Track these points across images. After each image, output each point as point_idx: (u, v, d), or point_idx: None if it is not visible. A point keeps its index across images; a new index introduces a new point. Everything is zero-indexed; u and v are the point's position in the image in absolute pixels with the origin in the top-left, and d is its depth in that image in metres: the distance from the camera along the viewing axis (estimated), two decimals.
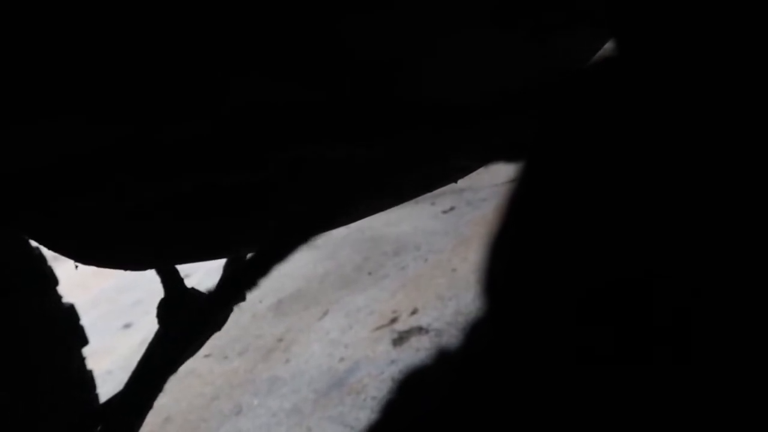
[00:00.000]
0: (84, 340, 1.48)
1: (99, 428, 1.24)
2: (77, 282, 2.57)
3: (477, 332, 0.36)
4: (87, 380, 1.46)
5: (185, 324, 0.92)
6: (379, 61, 0.57)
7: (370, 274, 2.39)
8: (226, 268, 1.17)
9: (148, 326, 2.83)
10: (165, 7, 0.50)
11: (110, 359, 2.71)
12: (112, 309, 3.38)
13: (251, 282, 0.67)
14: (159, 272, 1.01)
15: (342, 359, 1.94)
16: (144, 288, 3.39)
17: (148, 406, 0.88)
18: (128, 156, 0.54)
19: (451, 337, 1.78)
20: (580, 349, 0.32)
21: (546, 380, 0.32)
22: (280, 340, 2.23)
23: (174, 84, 0.53)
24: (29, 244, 1.40)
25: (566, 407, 0.32)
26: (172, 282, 0.99)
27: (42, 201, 0.58)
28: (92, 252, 0.68)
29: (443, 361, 0.39)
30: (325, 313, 2.26)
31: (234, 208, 0.63)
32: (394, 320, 2.01)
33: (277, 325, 2.34)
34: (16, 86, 0.52)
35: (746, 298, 0.30)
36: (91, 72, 0.52)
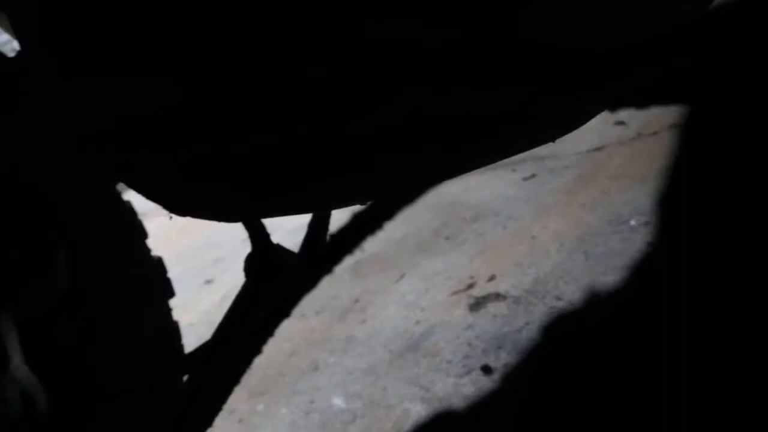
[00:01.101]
0: (171, 292, 1.54)
1: (184, 376, 1.30)
2: (163, 238, 2.65)
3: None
4: (174, 330, 1.52)
5: (272, 279, 0.93)
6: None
7: (447, 239, 2.38)
8: (310, 226, 1.19)
9: (229, 283, 2.92)
10: None
11: (193, 313, 2.81)
12: (194, 265, 3.49)
13: (354, 244, 0.67)
14: (247, 227, 1.03)
15: (418, 322, 1.95)
16: (225, 247, 3.49)
17: (237, 360, 0.91)
18: (236, 103, 0.55)
19: (531, 305, 1.76)
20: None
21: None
22: (357, 301, 2.26)
23: (294, 28, 0.53)
24: (123, 199, 1.46)
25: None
26: (259, 237, 1.01)
27: (150, 150, 0.59)
28: (188, 201, 0.69)
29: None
30: (402, 277, 2.27)
31: (338, 162, 0.62)
32: (471, 285, 2.00)
33: (354, 286, 2.37)
34: (137, 38, 0.54)
35: None
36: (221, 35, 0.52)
